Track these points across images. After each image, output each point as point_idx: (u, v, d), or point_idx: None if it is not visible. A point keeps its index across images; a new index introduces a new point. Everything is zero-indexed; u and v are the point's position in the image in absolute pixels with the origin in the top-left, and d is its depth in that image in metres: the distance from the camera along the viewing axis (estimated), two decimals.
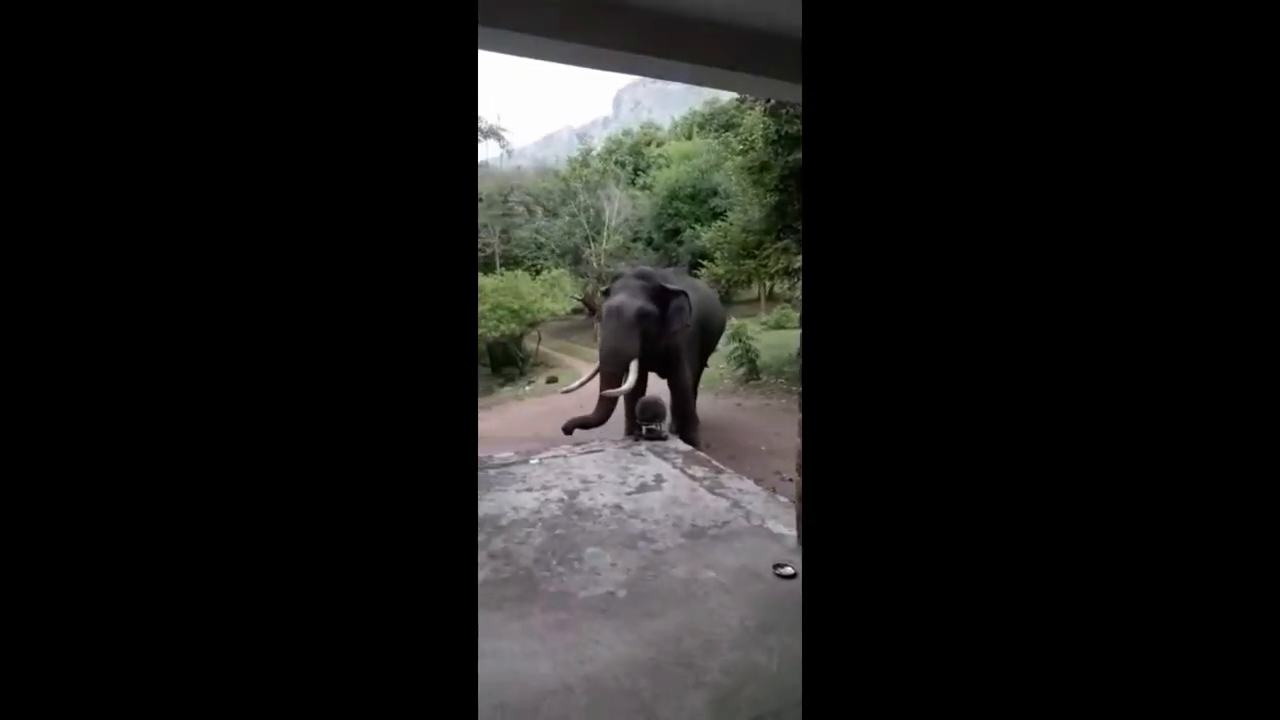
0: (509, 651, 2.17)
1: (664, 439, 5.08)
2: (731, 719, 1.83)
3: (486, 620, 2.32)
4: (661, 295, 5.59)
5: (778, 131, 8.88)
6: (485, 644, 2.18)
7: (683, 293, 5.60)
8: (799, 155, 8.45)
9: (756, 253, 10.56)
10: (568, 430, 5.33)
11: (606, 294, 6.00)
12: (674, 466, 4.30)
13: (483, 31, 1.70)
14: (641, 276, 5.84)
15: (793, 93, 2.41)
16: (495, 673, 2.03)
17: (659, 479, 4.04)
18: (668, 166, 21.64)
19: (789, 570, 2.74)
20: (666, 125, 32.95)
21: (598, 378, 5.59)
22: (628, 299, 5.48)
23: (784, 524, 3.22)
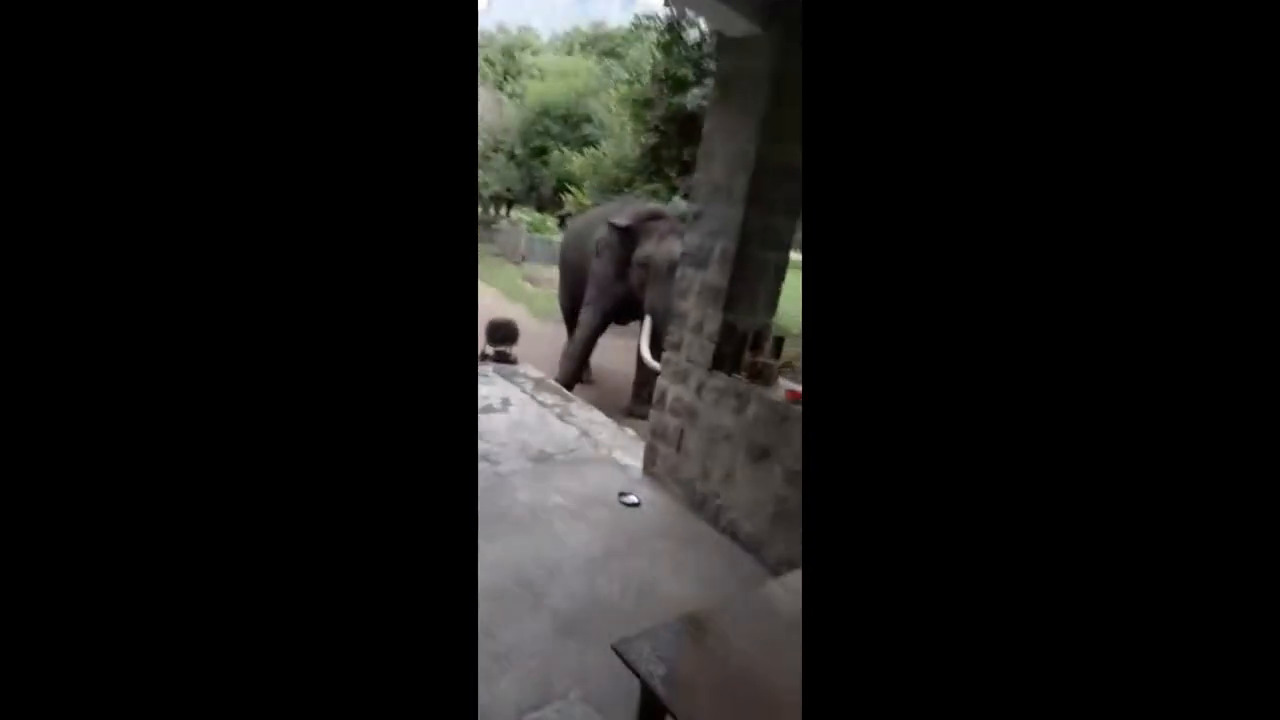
0: None
1: (513, 363, 4.84)
2: (572, 644, 1.79)
3: None
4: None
5: (667, 70, 8.63)
6: None
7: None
8: (684, 98, 8.32)
9: (626, 189, 10.38)
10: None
11: (628, 233, 4.99)
12: (523, 391, 4.11)
13: None
14: (661, 216, 5.10)
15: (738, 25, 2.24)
16: None
17: (505, 402, 3.84)
18: (541, 79, 20.21)
19: (633, 499, 2.77)
20: (545, 36, 30.76)
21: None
22: (673, 249, 4.65)
23: (631, 455, 3.25)
